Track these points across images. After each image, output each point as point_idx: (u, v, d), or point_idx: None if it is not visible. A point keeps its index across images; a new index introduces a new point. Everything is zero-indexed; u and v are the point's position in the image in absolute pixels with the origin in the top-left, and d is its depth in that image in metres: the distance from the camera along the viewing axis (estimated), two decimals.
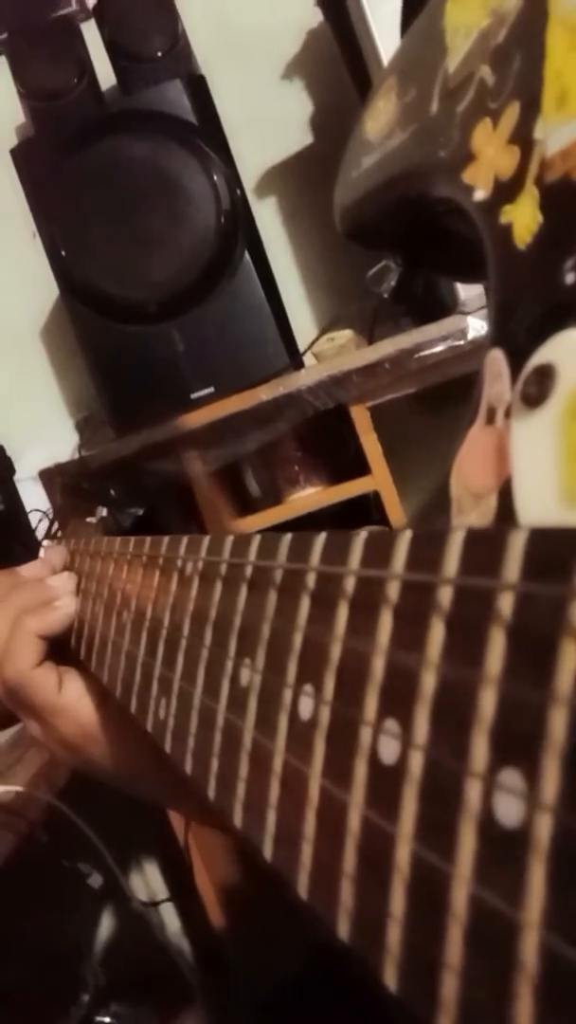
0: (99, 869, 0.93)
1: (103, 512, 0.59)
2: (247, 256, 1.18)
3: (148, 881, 1.39)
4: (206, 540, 0.27)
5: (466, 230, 0.23)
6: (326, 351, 1.15)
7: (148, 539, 0.36)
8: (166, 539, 0.32)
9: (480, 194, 0.23)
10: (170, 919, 1.37)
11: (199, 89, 1.19)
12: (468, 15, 0.24)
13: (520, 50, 0.22)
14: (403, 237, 0.32)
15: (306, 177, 1.35)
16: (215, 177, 1.14)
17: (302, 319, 1.36)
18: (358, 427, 1.10)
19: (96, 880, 0.94)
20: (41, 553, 0.57)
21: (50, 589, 0.49)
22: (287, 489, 1.18)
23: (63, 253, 1.16)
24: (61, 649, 0.48)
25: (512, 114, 0.22)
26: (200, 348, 1.17)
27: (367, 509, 1.16)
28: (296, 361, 1.19)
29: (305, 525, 1.15)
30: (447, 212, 0.24)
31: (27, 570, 0.52)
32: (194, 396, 1.16)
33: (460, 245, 0.25)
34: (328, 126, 1.35)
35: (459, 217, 0.23)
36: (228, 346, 1.17)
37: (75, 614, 0.47)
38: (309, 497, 1.16)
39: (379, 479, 1.11)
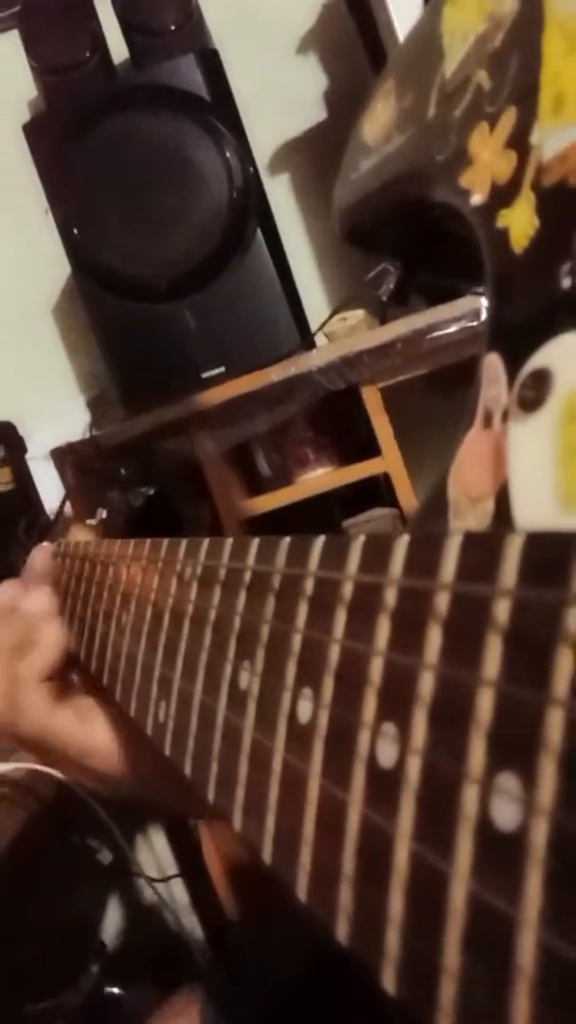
0: (108, 845, 0.94)
1: (103, 514, 0.58)
2: (259, 234, 1.18)
3: (157, 857, 1.41)
4: (205, 543, 0.27)
5: (463, 234, 0.23)
6: (338, 331, 1.14)
7: (148, 542, 0.35)
8: (165, 542, 0.32)
9: (477, 198, 0.23)
10: (179, 894, 1.39)
11: (212, 64, 1.18)
12: (465, 19, 0.24)
13: (517, 54, 0.22)
14: (401, 240, 0.32)
15: (320, 154, 1.34)
16: (227, 153, 1.13)
17: (314, 298, 1.35)
18: (369, 408, 1.10)
19: (106, 856, 0.95)
20: (32, 554, 0.55)
21: (26, 619, 0.44)
22: (297, 470, 1.17)
23: (75, 231, 1.16)
24: (74, 667, 0.44)
25: (509, 118, 0.22)
26: (211, 327, 1.17)
27: (377, 490, 1.16)
28: (308, 341, 1.18)
29: (315, 506, 1.15)
30: (444, 216, 0.24)
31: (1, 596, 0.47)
32: (205, 375, 1.16)
33: (457, 249, 0.25)
34: (342, 102, 1.34)
35: (456, 221, 0.23)
36: (239, 325, 1.16)
37: (63, 633, 0.43)
38: (319, 478, 1.16)
39: (390, 461, 1.10)
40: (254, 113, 1.24)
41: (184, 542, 0.29)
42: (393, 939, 0.14)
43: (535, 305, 0.20)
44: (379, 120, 0.29)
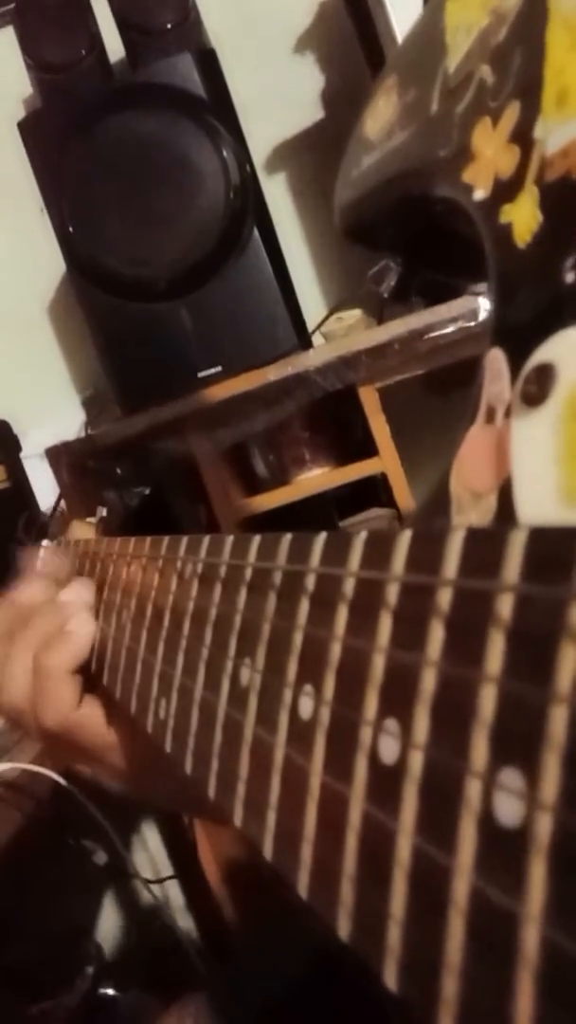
0: (104, 846, 0.94)
1: (103, 512, 0.58)
2: (256, 234, 1.17)
3: (153, 858, 1.40)
4: (206, 541, 0.27)
5: (466, 230, 0.23)
6: (335, 331, 1.14)
7: (148, 539, 0.35)
8: (166, 539, 0.32)
9: (480, 194, 0.23)
10: (175, 895, 1.39)
11: (209, 63, 1.18)
12: (468, 14, 0.24)
13: (520, 49, 0.21)
14: (403, 237, 0.32)
15: (317, 153, 1.34)
16: (224, 153, 1.13)
17: (312, 298, 1.35)
18: (367, 408, 1.10)
19: (101, 857, 0.95)
20: (41, 552, 0.54)
21: (61, 609, 0.43)
22: (294, 470, 1.17)
23: (70, 229, 1.15)
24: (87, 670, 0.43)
25: (512, 113, 0.22)
26: (208, 327, 1.17)
27: (375, 491, 1.16)
28: (305, 341, 1.18)
29: (312, 506, 1.15)
30: (447, 212, 0.24)
31: (26, 595, 0.46)
32: (201, 375, 1.16)
33: (460, 245, 0.25)
34: (340, 101, 1.34)
35: (459, 217, 0.23)
36: (236, 325, 1.16)
37: (96, 631, 0.42)
38: (316, 478, 1.16)
39: (387, 461, 1.10)
40: (251, 113, 1.24)
41: (185, 539, 0.29)
42: (395, 936, 0.14)
43: (539, 300, 0.20)
44: (381, 116, 0.29)
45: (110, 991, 1.05)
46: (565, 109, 0.20)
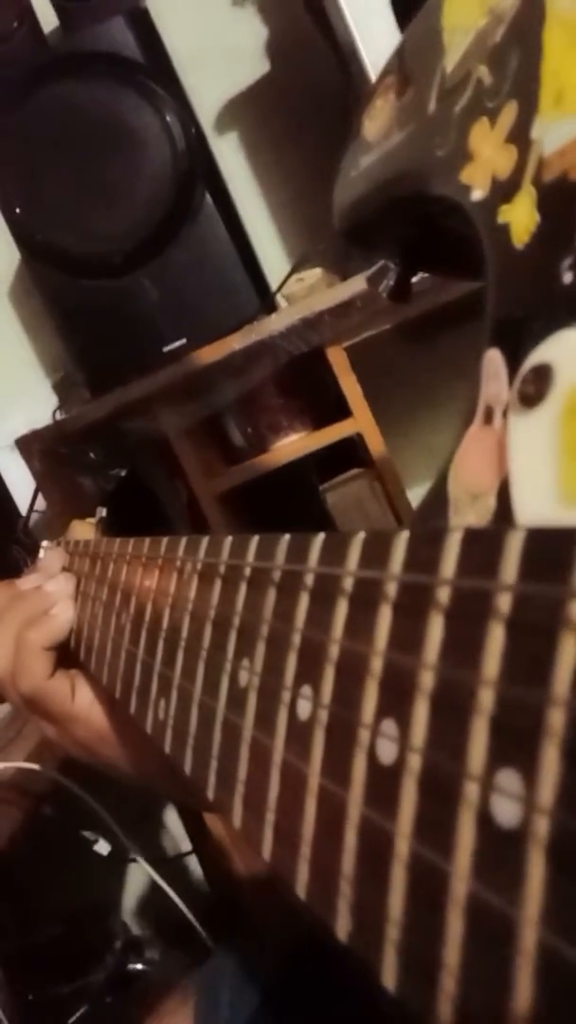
0: (107, 834, 0.95)
1: (103, 512, 0.59)
2: (208, 198, 1.15)
3: (172, 835, 1.41)
4: (204, 540, 0.27)
5: (464, 230, 0.23)
6: (296, 293, 1.12)
7: (147, 540, 0.36)
8: (165, 540, 0.33)
9: (478, 194, 0.23)
10: (195, 869, 1.40)
11: (143, 24, 1.14)
12: (466, 14, 0.24)
13: (517, 49, 0.22)
14: (400, 237, 0.32)
15: (266, 108, 1.30)
16: (167, 117, 1.10)
17: (275, 257, 1.32)
18: (336, 369, 1.08)
19: (106, 846, 0.96)
20: (41, 553, 0.58)
21: (47, 596, 0.50)
22: (271, 437, 1.16)
23: (17, 211, 1.12)
24: (65, 650, 0.49)
25: (510, 113, 0.22)
26: (168, 299, 1.14)
27: (354, 451, 1.15)
28: (268, 304, 1.16)
29: (292, 472, 1.14)
30: (445, 212, 0.24)
31: (24, 581, 0.54)
32: (166, 349, 1.14)
33: (458, 245, 0.25)
34: (285, 52, 1.30)
35: (457, 217, 0.23)
36: (196, 295, 1.14)
37: (74, 618, 0.48)
38: (294, 443, 1.15)
39: (361, 421, 1.09)
40: (193, 72, 1.21)
41: (184, 539, 0.29)
42: (393, 937, 0.14)
43: (536, 301, 0.20)
44: (379, 117, 0.29)
45: (139, 965, 1.07)
46: (562, 109, 0.20)
